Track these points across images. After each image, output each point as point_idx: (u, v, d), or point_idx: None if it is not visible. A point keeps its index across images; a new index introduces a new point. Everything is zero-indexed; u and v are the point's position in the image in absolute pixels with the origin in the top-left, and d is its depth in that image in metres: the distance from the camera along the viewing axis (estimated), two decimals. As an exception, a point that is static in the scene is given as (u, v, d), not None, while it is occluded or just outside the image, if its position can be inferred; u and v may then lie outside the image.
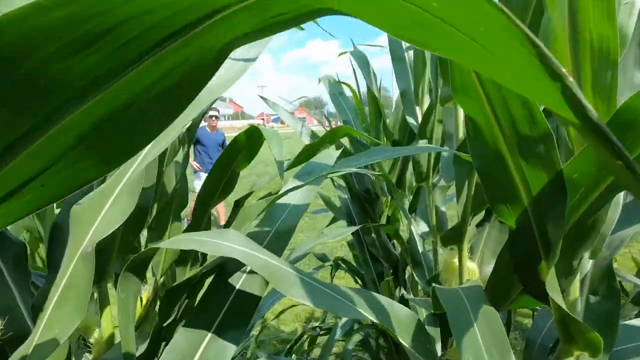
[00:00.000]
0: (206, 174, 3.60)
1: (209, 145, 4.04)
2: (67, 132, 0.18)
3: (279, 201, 0.68)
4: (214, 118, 4.04)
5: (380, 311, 0.53)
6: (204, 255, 0.87)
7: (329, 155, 0.80)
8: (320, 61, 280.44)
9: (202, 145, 4.07)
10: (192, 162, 3.93)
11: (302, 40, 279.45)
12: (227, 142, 3.80)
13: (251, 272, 0.56)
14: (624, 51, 0.43)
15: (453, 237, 0.76)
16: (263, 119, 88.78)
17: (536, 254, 0.46)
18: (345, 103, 1.69)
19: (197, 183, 3.91)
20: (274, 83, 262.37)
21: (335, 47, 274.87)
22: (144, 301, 0.80)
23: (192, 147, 3.64)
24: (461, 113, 0.88)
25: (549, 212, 0.43)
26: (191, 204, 0.90)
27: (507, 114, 0.39)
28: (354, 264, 1.90)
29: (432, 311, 0.82)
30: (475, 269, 0.76)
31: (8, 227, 0.66)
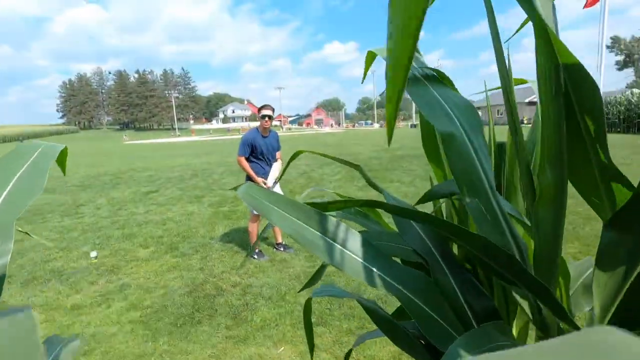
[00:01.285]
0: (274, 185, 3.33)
1: (265, 150, 3.64)
2: None
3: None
4: (266, 119, 3.57)
5: None
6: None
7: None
8: (339, 63, 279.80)
9: (257, 151, 3.63)
10: (257, 179, 3.57)
11: (321, 42, 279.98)
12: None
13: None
14: None
15: None
16: (280, 121, 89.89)
17: None
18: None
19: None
20: (293, 85, 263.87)
21: (353, 49, 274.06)
22: None
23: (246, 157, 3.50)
24: None
25: None
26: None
27: None
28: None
29: None
30: None
31: None
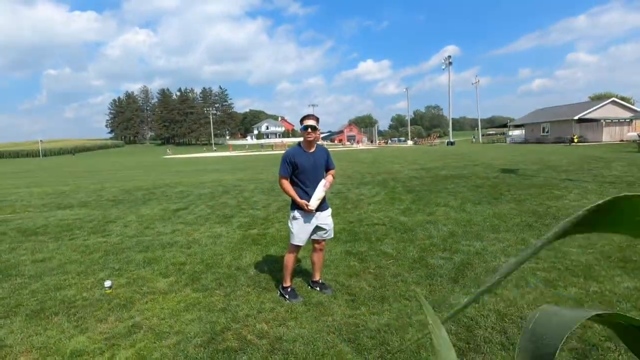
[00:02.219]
0: (324, 211, 2.84)
1: (309, 170, 3.01)
2: None
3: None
4: (309, 130, 2.96)
5: None
6: None
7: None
8: (372, 80, 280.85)
9: (299, 170, 3.01)
10: (300, 201, 2.96)
11: (355, 61, 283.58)
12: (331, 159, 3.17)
13: None
14: None
15: None
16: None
17: None
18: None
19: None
20: (325, 102, 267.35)
21: (386, 67, 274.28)
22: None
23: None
24: None
25: None
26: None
27: None
28: None
29: None
30: None
31: None
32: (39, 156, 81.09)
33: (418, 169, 12.99)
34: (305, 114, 3.11)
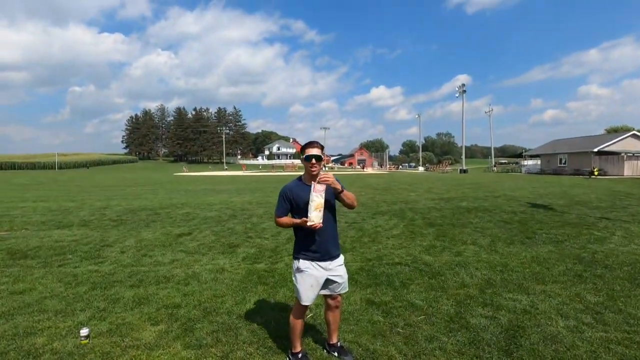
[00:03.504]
0: (334, 260, 2.16)
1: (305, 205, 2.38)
2: None
3: None
4: (313, 160, 2.40)
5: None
6: None
7: None
8: (384, 106, 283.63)
9: (300, 210, 2.42)
10: (296, 221, 2.40)
11: (368, 86, 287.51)
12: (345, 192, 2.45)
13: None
14: None
15: None
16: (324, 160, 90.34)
17: None
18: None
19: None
20: (337, 126, 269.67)
21: (398, 94, 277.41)
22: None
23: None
24: None
25: None
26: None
27: None
28: None
29: None
30: None
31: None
32: (55, 168, 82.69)
33: (435, 198, 12.33)
34: (309, 140, 2.55)
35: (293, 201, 2.47)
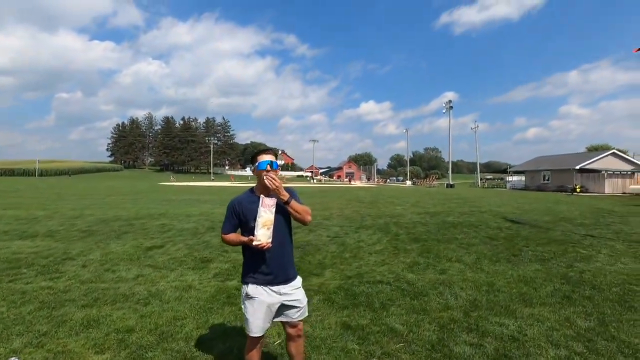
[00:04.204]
0: (289, 283, 1.97)
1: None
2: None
3: None
4: (268, 167, 2.11)
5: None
6: None
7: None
8: (373, 120, 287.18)
9: (249, 228, 2.10)
10: (243, 239, 2.10)
11: (357, 101, 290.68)
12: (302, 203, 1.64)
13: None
14: None
15: None
16: (312, 172, 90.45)
17: None
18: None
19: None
20: (327, 139, 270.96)
21: (387, 109, 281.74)
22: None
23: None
24: None
25: None
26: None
27: None
28: None
29: None
30: None
31: None
32: (35, 175, 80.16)
33: (421, 212, 12.16)
34: (262, 148, 2.37)
35: (242, 216, 2.14)
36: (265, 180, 2.09)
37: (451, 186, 46.28)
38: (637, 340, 2.95)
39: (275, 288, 2.18)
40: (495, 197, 21.76)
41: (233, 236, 2.17)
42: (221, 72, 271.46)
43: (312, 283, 4.54)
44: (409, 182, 68.03)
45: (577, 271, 5.06)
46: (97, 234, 7.68)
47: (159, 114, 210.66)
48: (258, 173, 2.15)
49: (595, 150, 51.09)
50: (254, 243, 2.03)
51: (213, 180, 72.80)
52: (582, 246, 6.75)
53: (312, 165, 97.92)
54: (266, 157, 2.14)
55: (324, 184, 59.85)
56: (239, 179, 73.81)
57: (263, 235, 2.03)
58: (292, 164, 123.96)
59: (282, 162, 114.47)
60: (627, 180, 31.59)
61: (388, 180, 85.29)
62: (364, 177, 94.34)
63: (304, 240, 7.20)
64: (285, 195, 2.13)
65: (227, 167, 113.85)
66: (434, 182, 64.90)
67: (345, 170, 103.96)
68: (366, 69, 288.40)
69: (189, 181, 60.32)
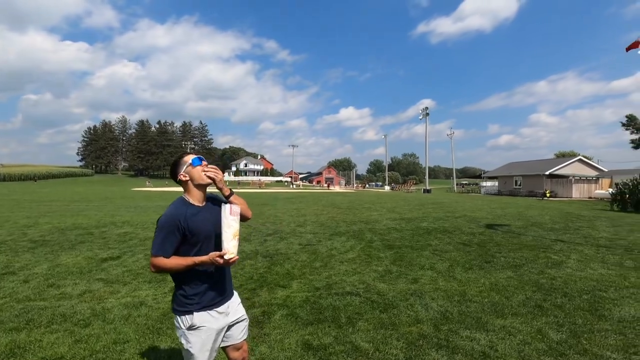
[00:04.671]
0: (231, 299, 1.79)
1: (211, 237, 1.85)
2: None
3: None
4: (204, 162, 1.90)
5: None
6: None
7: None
8: (353, 126, 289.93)
9: (196, 240, 1.80)
10: (214, 258, 1.74)
11: (337, 107, 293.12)
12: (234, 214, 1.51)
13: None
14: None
15: None
16: (291, 177, 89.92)
17: None
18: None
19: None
20: (307, 144, 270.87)
21: (367, 115, 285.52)
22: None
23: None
24: None
25: None
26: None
27: None
28: None
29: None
30: None
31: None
32: (-4, 181, 75.56)
33: (397, 218, 12.09)
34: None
35: (188, 231, 1.78)
36: (208, 173, 1.85)
37: (428, 191, 47.01)
38: (609, 353, 2.83)
39: (221, 309, 1.89)
40: (469, 202, 22.15)
41: (180, 260, 1.77)
42: (200, 75, 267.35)
43: (277, 296, 4.25)
44: (387, 188, 68.70)
45: (549, 278, 5.00)
46: (48, 245, 7.07)
47: (135, 118, 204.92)
48: (194, 172, 1.87)
49: (563, 156, 53.35)
50: (227, 257, 1.74)
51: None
52: (553, 251, 6.77)
53: (291, 171, 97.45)
54: (193, 155, 1.90)
55: (302, 189, 59.52)
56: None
57: (234, 247, 1.78)
58: (272, 169, 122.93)
59: (262, 167, 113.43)
60: (593, 186, 33.03)
61: (367, 186, 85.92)
62: (343, 182, 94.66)
63: (274, 249, 6.89)
64: (227, 190, 1.94)
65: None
66: (412, 188, 65.83)
67: (325, 175, 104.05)
68: (346, 76, 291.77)
69: (163, 186, 58.49)
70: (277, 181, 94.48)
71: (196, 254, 1.82)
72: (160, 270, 1.76)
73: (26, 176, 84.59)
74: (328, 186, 79.42)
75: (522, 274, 5.23)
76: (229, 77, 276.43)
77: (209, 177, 1.86)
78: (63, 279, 4.87)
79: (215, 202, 2.00)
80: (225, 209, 1.82)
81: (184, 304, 1.82)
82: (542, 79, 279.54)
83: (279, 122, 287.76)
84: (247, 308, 3.83)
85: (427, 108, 53.59)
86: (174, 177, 1.94)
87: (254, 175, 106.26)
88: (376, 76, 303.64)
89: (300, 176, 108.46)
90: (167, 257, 1.76)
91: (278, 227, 9.91)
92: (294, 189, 60.04)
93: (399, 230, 9.25)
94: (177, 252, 1.80)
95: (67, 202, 19.70)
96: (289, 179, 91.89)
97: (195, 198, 1.89)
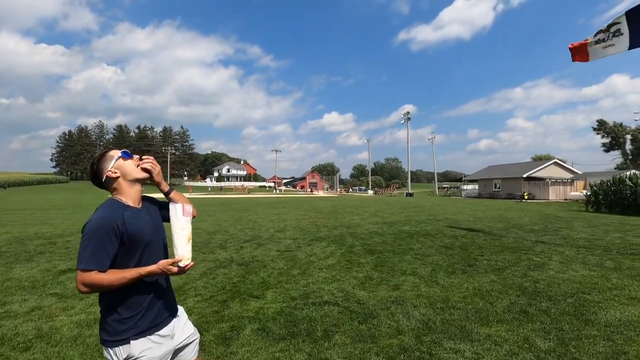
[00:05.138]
0: (179, 317, 1.61)
1: (153, 241, 1.57)
2: None
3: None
4: (135, 156, 1.65)
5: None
6: None
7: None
8: (336, 131, 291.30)
9: (137, 249, 1.51)
10: (166, 266, 1.48)
11: (321, 112, 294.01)
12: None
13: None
14: None
15: None
16: (275, 182, 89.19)
17: None
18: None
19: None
20: (290, 149, 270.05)
21: (350, 119, 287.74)
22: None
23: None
24: None
25: None
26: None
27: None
28: None
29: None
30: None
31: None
32: (-38, 189, 71.60)
33: (379, 222, 11.92)
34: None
35: (127, 238, 1.48)
36: (144, 165, 1.61)
37: (410, 195, 47.40)
38: (600, 362, 2.66)
39: (165, 331, 1.58)
40: (451, 205, 22.33)
41: (120, 272, 1.44)
42: (182, 80, 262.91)
43: (250, 308, 3.93)
44: (370, 192, 69.00)
45: (532, 281, 4.87)
46: (3, 256, 6.50)
47: (113, 122, 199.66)
48: (126, 166, 1.59)
49: (539, 159, 54.98)
50: (182, 264, 1.48)
51: (169, 191, 69.16)
52: (535, 253, 6.71)
53: (275, 176, 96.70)
54: (114, 151, 1.63)
55: (285, 194, 59.03)
56: (197, 190, 70.90)
57: (189, 252, 1.53)
58: (255, 174, 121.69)
59: (245, 173, 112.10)
60: (568, 187, 34.02)
61: (350, 190, 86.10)
62: (326, 186, 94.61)
63: (250, 256, 6.55)
64: (166, 185, 1.72)
65: (185, 178, 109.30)
66: (395, 192, 66.35)
67: (309, 180, 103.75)
68: (329, 81, 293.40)
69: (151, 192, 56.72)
70: (260, 186, 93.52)
71: (137, 265, 1.51)
72: (93, 288, 1.42)
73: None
74: (312, 191, 79.13)
75: (505, 277, 5.08)
76: (212, 82, 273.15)
77: (145, 170, 1.61)
78: (11, 294, 4.39)
79: (152, 202, 1.74)
80: (177, 208, 1.56)
81: (118, 332, 1.47)
82: (517, 86, 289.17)
83: (263, 127, 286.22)
84: (215, 322, 3.51)
85: (408, 113, 54.35)
86: (97, 177, 1.59)
87: (237, 180, 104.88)
88: (359, 82, 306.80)
89: (284, 181, 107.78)
90: (104, 270, 1.42)
91: (256, 232, 9.55)
92: (278, 194, 59.50)
93: (381, 235, 9.06)
94: (113, 265, 1.47)
95: (36, 210, 18.68)
96: (272, 184, 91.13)
97: (130, 198, 1.59)
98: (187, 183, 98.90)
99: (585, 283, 4.74)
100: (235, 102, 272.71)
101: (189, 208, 1.61)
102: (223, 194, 53.50)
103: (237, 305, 4.01)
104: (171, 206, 1.58)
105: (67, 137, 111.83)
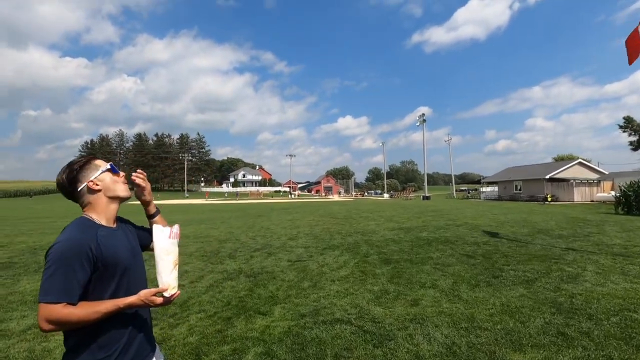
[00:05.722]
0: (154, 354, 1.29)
1: (131, 266, 1.34)
2: None
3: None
4: (121, 173, 1.44)
5: None
6: None
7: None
8: (351, 134, 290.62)
9: (113, 275, 1.27)
10: (150, 297, 1.26)
11: (335, 116, 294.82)
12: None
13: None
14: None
15: None
16: (290, 187, 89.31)
17: None
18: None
19: None
20: (305, 153, 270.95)
21: (365, 123, 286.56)
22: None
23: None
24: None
25: None
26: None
27: None
28: None
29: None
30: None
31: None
32: (-9, 197, 74.69)
33: (396, 228, 11.47)
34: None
35: (101, 262, 1.23)
36: (138, 179, 1.47)
37: (427, 198, 46.39)
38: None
39: None
40: (470, 208, 21.55)
41: (93, 306, 1.19)
42: (199, 88, 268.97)
43: (255, 327, 3.63)
44: (386, 195, 68.08)
45: (567, 295, 4.39)
46: (13, 268, 6.45)
47: (133, 131, 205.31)
48: (110, 182, 1.39)
49: (562, 160, 52.94)
50: (168, 294, 1.29)
51: (187, 197, 70.32)
52: (566, 262, 6.17)
53: (290, 180, 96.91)
54: (101, 162, 1.41)
55: (300, 198, 58.89)
56: (214, 196, 71.66)
57: (175, 279, 1.35)
58: (270, 179, 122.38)
59: (260, 178, 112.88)
60: (594, 189, 32.49)
61: (366, 194, 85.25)
62: (342, 190, 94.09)
63: (259, 266, 6.27)
64: (154, 208, 1.61)
65: (202, 184, 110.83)
66: (411, 195, 65.21)
67: (324, 184, 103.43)
68: (343, 85, 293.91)
69: (155, 199, 57.79)
70: (275, 191, 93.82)
71: (114, 296, 1.26)
72: (60, 325, 1.17)
73: (22, 192, 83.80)
74: (326, 195, 78.81)
75: (535, 290, 4.62)
76: (227, 89, 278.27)
77: (138, 185, 1.47)
78: (12, 310, 4.25)
79: (126, 222, 1.53)
80: (164, 230, 1.39)
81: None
82: (535, 85, 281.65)
83: (278, 132, 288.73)
84: (217, 344, 3.22)
85: (423, 115, 53.35)
86: (72, 184, 1.35)
87: (253, 185, 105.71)
88: (372, 85, 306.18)
89: (299, 185, 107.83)
90: (74, 303, 1.17)
91: (268, 240, 9.29)
92: (293, 198, 59.42)
93: (397, 242, 8.63)
94: (84, 296, 1.22)
95: (57, 217, 19.05)
96: (287, 189, 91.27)
97: (104, 217, 1.37)
98: (203, 189, 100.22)
99: (629, 298, 4.23)
100: (250, 108, 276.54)
101: (177, 229, 1.42)
102: (239, 200, 53.83)
103: (242, 324, 3.72)
104: (155, 228, 1.41)
105: (89, 145, 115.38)
